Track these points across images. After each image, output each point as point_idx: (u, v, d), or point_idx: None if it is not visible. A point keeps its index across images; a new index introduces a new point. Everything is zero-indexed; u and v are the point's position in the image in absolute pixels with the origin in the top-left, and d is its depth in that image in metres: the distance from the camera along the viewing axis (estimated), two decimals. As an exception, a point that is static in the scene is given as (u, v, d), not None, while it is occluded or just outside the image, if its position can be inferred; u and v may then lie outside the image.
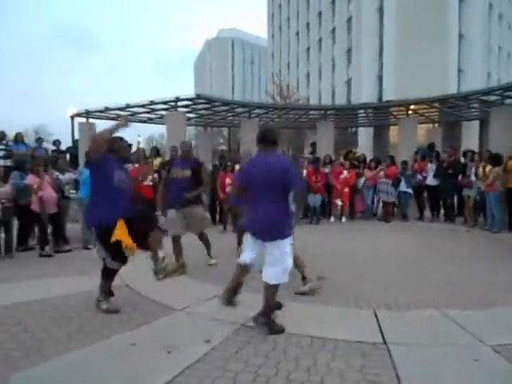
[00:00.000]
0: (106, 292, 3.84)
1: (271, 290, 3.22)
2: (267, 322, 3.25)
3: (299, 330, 3.32)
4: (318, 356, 2.89)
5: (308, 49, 44.88)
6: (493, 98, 11.82)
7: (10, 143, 9.77)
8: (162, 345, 3.04)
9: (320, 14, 41.75)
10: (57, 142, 11.24)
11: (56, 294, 4.29)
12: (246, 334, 3.25)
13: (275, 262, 3.17)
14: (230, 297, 3.42)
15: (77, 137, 13.64)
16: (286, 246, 3.19)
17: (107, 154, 3.65)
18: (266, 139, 3.33)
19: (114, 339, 3.19)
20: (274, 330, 3.23)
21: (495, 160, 8.23)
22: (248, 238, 3.37)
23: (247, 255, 3.33)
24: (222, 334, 3.22)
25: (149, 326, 3.47)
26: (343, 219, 9.97)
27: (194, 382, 2.56)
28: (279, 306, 3.27)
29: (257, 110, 14.86)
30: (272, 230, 3.17)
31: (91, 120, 13.83)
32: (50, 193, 6.60)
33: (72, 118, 13.91)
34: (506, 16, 36.25)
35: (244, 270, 3.39)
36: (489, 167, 8.23)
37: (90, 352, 2.98)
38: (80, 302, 4.05)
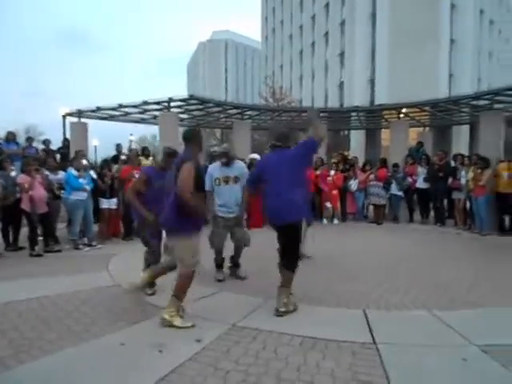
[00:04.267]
0: None
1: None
2: None
3: (289, 329, 3.34)
4: (308, 355, 2.91)
5: (301, 51, 45.08)
6: (482, 102, 11.97)
7: (1, 142, 9.69)
8: (152, 344, 3.03)
9: (313, 17, 41.98)
10: (46, 142, 11.14)
11: (46, 294, 4.26)
12: (237, 334, 3.26)
13: None
14: None
15: (69, 136, 13.53)
16: None
17: None
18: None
19: (104, 339, 3.18)
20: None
21: (486, 162, 8.36)
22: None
23: None
24: (213, 334, 3.22)
25: (139, 325, 3.46)
26: (335, 221, 10.03)
27: (186, 380, 2.56)
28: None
29: (249, 112, 14.87)
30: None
31: (83, 120, 13.74)
32: (40, 192, 6.55)
33: (64, 117, 13.80)
34: (496, 22, 36.74)
35: None
36: (478, 170, 8.34)
37: (79, 351, 2.96)
38: (70, 302, 4.03)
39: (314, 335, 3.22)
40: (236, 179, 4.88)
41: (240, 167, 5.03)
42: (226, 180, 4.88)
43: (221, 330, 3.31)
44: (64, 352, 2.94)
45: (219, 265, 5.02)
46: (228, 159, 4.90)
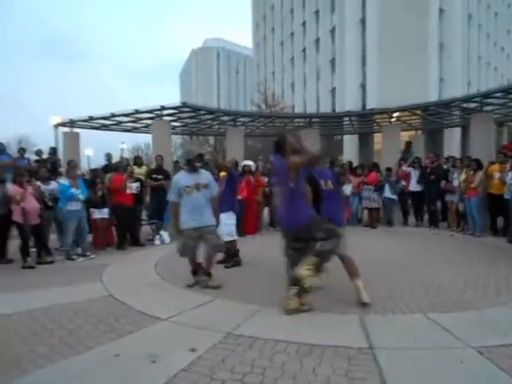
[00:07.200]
0: None
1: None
2: None
3: (285, 336, 3.31)
4: (304, 362, 2.88)
5: (292, 58, 45.38)
6: (472, 105, 12.11)
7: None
8: (146, 354, 2.99)
9: (304, 23, 42.33)
10: (39, 152, 11.04)
11: (38, 306, 4.19)
12: (232, 343, 3.22)
13: None
14: None
15: (61, 146, 13.43)
16: None
17: None
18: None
19: (98, 350, 3.13)
20: None
21: (479, 164, 8.42)
22: None
23: None
24: (208, 343, 3.18)
25: (133, 335, 3.41)
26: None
27: (180, 391, 2.52)
28: None
29: (242, 119, 14.90)
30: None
31: (75, 129, 13.69)
32: (32, 204, 6.49)
33: (56, 127, 13.74)
34: (484, 26, 37.34)
35: None
36: (471, 172, 8.40)
37: (71, 364, 2.91)
38: (63, 314, 3.97)
39: (310, 342, 3.19)
40: (206, 186, 4.80)
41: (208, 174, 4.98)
42: (197, 187, 4.75)
43: (216, 339, 3.27)
44: (57, 365, 2.90)
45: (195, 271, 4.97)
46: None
